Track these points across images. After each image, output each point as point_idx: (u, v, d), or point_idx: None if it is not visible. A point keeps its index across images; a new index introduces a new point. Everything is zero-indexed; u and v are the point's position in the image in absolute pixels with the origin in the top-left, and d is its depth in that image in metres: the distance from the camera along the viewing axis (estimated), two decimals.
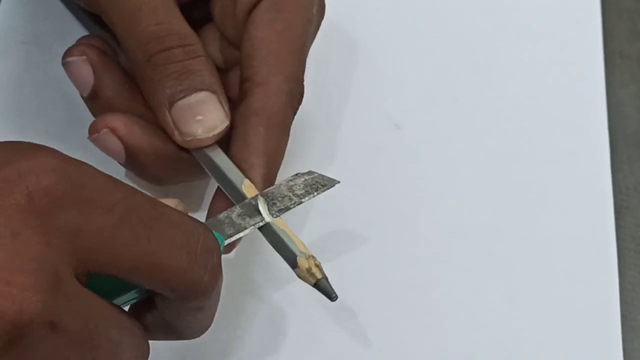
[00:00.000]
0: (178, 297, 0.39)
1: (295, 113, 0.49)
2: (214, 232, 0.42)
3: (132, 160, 0.48)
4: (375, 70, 0.59)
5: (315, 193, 0.47)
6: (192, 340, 0.43)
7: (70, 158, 0.37)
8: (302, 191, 0.47)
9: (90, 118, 0.49)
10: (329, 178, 0.48)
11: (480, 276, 0.53)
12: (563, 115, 0.58)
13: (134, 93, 0.49)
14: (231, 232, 0.45)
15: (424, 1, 0.61)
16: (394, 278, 0.52)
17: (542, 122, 0.58)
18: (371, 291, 0.52)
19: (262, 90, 0.47)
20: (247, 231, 0.45)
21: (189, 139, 0.46)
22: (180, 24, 0.47)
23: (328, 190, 0.48)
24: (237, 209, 0.46)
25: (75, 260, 0.36)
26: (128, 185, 0.38)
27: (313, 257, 0.45)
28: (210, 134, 0.46)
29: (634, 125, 0.60)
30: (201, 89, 0.46)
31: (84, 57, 0.48)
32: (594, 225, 0.55)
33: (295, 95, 0.48)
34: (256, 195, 0.46)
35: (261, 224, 0.46)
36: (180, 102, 0.46)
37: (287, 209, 0.46)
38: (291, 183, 0.47)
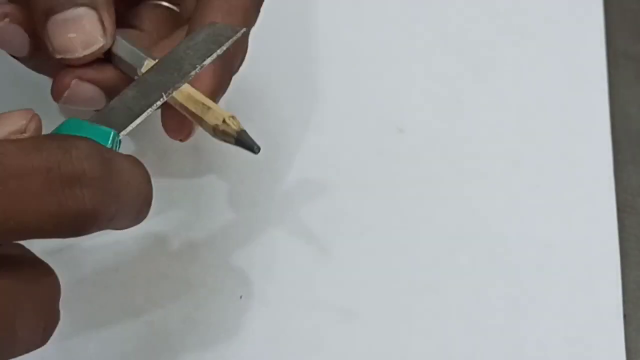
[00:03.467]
0: (63, 236, 0.35)
1: (258, 13, 0.46)
2: (100, 126, 0.38)
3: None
4: (379, 74, 0.59)
5: (217, 48, 0.42)
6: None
7: None
8: (204, 50, 0.42)
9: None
10: (233, 26, 0.43)
11: (483, 277, 0.53)
12: (566, 117, 0.58)
13: None
14: (124, 120, 0.39)
15: (427, 5, 0.61)
16: (397, 281, 0.52)
17: (546, 124, 0.58)
18: (373, 294, 0.51)
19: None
20: (145, 115, 0.40)
21: (59, 56, 0.43)
22: None
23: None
24: (130, 91, 0.41)
25: None
26: None
27: (232, 116, 0.41)
28: (83, 53, 0.43)
29: (638, 125, 0.60)
30: (80, 4, 0.43)
31: (7, 20, 0.45)
32: (597, 226, 0.55)
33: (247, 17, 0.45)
34: (147, 64, 0.42)
35: (160, 102, 0.40)
36: (55, 16, 0.43)
37: (187, 74, 0.41)
38: (190, 43, 0.42)
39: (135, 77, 0.43)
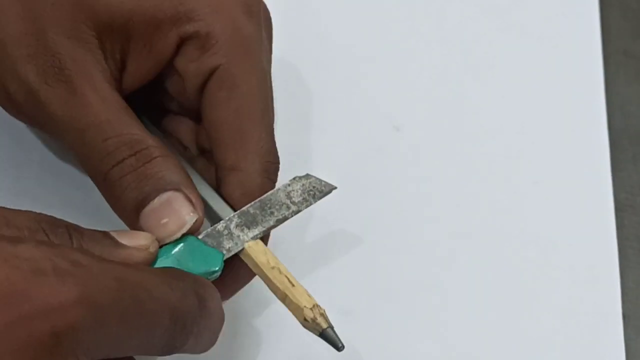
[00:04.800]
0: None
1: (275, 183, 0.47)
2: (215, 250, 0.43)
3: None
4: (375, 72, 0.59)
5: (313, 200, 0.47)
6: None
7: (92, 277, 0.37)
8: (300, 198, 0.46)
9: None
10: (327, 183, 0.47)
11: (481, 276, 0.52)
12: (563, 115, 0.58)
13: None
14: (230, 245, 0.44)
15: (423, 3, 0.61)
16: (394, 279, 0.52)
17: (542, 122, 0.58)
18: (370, 293, 0.51)
19: (236, 177, 0.46)
20: (246, 244, 0.44)
21: (161, 243, 0.44)
22: (130, 131, 0.45)
23: (327, 196, 0.47)
24: (235, 218, 0.45)
25: None
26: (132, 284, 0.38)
27: (317, 305, 0.44)
28: (179, 233, 0.44)
29: (638, 123, 0.60)
30: (165, 189, 0.44)
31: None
32: (595, 224, 0.55)
33: (271, 170, 0.47)
34: (254, 202, 0.45)
35: (261, 234, 0.45)
36: (146, 209, 0.44)
37: (285, 218, 0.46)
38: (289, 189, 0.46)
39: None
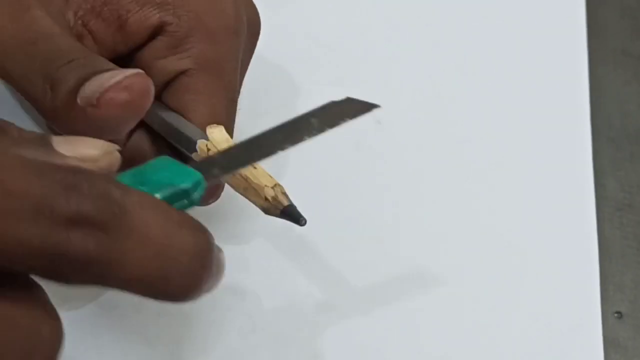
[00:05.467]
0: (48, 277, 0.32)
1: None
2: (187, 167, 0.35)
3: None
4: (356, 66, 0.59)
5: (343, 122, 0.42)
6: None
7: None
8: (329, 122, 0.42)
9: None
10: (369, 103, 0.44)
11: (463, 275, 0.52)
12: (546, 114, 0.58)
13: None
14: (218, 172, 0.38)
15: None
16: (376, 274, 0.52)
17: (525, 120, 0.58)
18: (352, 289, 0.51)
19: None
20: (238, 170, 0.41)
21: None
22: (82, 49, 0.43)
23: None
24: (235, 148, 0.40)
25: None
26: None
27: (278, 184, 0.43)
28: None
29: (637, 123, 0.59)
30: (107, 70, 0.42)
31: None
32: (577, 223, 0.54)
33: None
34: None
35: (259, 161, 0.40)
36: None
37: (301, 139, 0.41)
38: (317, 111, 0.42)
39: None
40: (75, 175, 0.32)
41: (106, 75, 0.41)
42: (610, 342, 0.51)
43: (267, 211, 0.43)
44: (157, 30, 0.47)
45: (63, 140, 0.35)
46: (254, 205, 0.51)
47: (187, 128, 0.46)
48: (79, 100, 0.41)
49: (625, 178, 0.57)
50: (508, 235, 0.53)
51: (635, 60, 0.62)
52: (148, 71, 0.44)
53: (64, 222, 0.31)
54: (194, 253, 0.33)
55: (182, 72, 0.47)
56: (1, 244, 0.31)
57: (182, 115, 0.47)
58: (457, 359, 0.50)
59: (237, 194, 0.45)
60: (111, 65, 0.43)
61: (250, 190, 0.43)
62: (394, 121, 0.57)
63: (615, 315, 0.52)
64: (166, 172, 0.35)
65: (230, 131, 0.47)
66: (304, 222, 0.43)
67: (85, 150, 0.34)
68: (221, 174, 0.38)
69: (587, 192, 0.55)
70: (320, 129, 0.41)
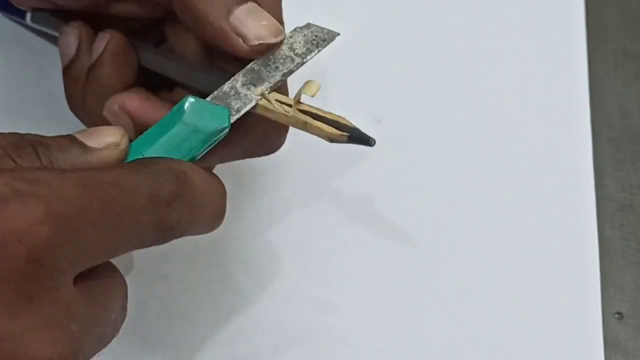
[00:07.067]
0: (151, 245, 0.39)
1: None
2: (221, 106, 0.42)
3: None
4: (356, 63, 0.58)
5: (317, 50, 0.45)
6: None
7: (53, 192, 0.36)
8: (304, 49, 0.45)
9: (69, 115, 0.49)
10: (329, 30, 0.46)
11: (463, 275, 0.52)
12: (547, 114, 0.58)
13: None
14: (238, 105, 0.43)
15: None
16: (376, 273, 0.52)
17: (526, 120, 0.58)
18: (353, 287, 0.51)
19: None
20: (253, 103, 0.43)
21: (256, 42, 0.44)
22: None
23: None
24: (240, 77, 0.44)
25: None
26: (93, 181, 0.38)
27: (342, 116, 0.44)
28: (275, 39, 0.45)
29: (637, 123, 0.59)
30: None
31: (75, 30, 0.48)
32: (577, 224, 0.54)
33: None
34: (257, 60, 0.44)
35: (269, 90, 0.44)
36: (239, 8, 0.44)
37: (291, 72, 0.44)
38: (291, 41, 0.45)
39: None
40: (157, 166, 0.39)
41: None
42: (610, 343, 0.51)
43: (333, 140, 0.44)
44: None
45: (87, 136, 0.40)
46: (253, 205, 0.52)
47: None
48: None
49: (626, 178, 0.57)
50: (508, 236, 0.53)
51: (635, 60, 0.62)
52: None
53: (164, 203, 0.38)
54: (222, 193, 0.42)
55: None
56: (128, 229, 0.38)
57: None
58: (457, 359, 0.50)
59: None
60: None
61: (311, 127, 0.44)
62: (394, 119, 0.57)
63: (616, 316, 0.52)
64: (205, 115, 0.42)
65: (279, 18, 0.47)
66: (373, 142, 0.43)
67: (108, 139, 0.40)
68: (241, 107, 0.43)
69: (588, 192, 0.55)
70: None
